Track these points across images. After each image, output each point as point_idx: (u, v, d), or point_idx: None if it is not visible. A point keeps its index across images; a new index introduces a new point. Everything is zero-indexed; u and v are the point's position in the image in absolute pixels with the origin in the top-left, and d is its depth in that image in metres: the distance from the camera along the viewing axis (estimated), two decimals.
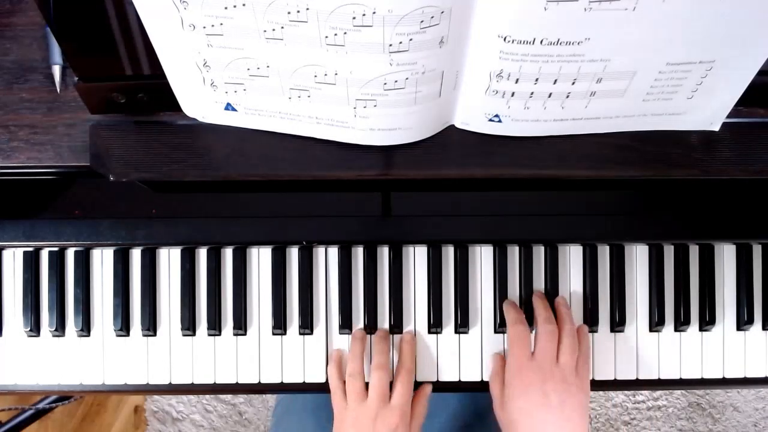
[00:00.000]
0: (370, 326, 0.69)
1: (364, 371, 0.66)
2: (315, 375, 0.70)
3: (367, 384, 0.65)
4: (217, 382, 0.70)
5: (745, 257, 0.71)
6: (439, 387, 0.69)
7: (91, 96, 0.52)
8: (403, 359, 0.67)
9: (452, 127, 0.53)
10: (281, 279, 0.69)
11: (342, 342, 0.70)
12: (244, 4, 0.40)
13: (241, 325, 0.69)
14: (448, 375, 0.70)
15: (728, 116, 0.51)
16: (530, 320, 0.68)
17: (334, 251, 0.70)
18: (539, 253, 0.70)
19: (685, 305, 0.70)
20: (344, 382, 0.66)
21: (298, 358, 0.70)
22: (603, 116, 0.50)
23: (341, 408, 0.65)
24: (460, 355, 0.70)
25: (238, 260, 0.69)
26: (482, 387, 0.70)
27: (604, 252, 0.71)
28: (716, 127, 0.53)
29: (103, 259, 0.70)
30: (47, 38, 0.56)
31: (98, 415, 1.40)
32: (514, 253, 0.70)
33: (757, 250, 0.71)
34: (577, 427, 0.60)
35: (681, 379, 0.71)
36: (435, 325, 0.69)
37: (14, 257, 0.70)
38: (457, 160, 0.53)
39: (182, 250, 0.70)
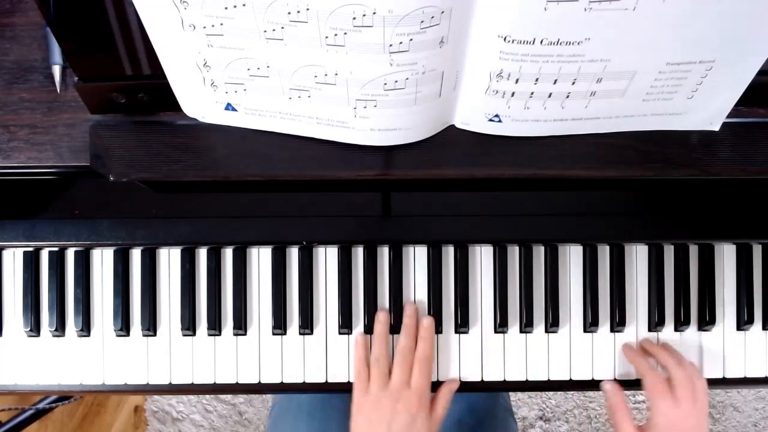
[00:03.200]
0: (371, 326, 0.69)
1: (389, 353, 0.67)
2: (315, 375, 0.70)
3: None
4: (217, 382, 0.70)
5: (745, 257, 0.71)
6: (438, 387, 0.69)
7: (91, 96, 0.52)
8: (422, 345, 0.67)
9: (452, 127, 0.53)
10: (281, 279, 0.69)
11: (342, 342, 0.70)
12: (244, 5, 0.40)
13: (241, 325, 0.69)
14: (449, 375, 0.70)
15: (728, 116, 0.51)
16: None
17: (334, 251, 0.70)
18: (539, 253, 0.70)
19: (685, 305, 0.70)
20: (368, 366, 0.66)
21: (298, 358, 0.70)
22: (603, 116, 0.50)
23: (362, 391, 0.65)
24: (460, 356, 0.70)
25: (238, 260, 0.69)
26: (483, 387, 0.70)
27: (604, 252, 0.70)
28: (716, 127, 0.53)
29: (103, 259, 0.70)
30: (47, 38, 0.56)
31: (98, 415, 1.40)
32: (514, 253, 0.70)
33: (757, 250, 0.71)
34: None
35: None
36: (435, 325, 0.69)
37: (14, 257, 0.70)
38: (457, 160, 0.53)
39: (182, 250, 0.70)
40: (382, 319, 0.68)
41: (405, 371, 0.65)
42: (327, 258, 0.70)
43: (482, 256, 0.70)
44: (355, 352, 0.68)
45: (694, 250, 0.71)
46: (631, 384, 0.70)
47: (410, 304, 0.69)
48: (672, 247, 0.71)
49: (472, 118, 0.51)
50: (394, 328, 0.69)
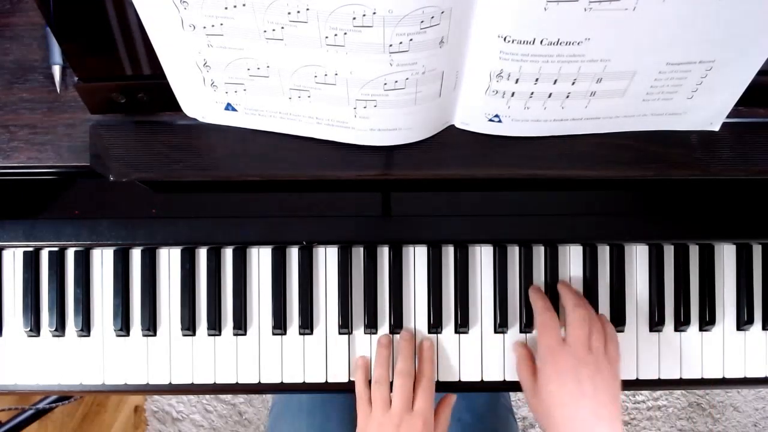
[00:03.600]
0: (371, 326, 0.69)
1: (389, 376, 0.67)
2: (315, 375, 0.70)
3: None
4: (217, 382, 0.70)
5: (745, 257, 0.71)
6: (439, 387, 0.69)
7: (91, 96, 0.52)
8: (423, 367, 0.67)
9: (452, 127, 0.53)
10: (281, 279, 0.69)
11: (342, 342, 0.70)
12: (244, 5, 0.40)
13: (241, 325, 0.69)
14: (449, 375, 0.70)
15: (728, 116, 0.51)
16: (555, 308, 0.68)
17: (334, 251, 0.70)
18: (539, 253, 0.70)
19: (685, 305, 0.70)
20: (370, 388, 0.66)
21: (298, 358, 0.70)
22: (603, 116, 0.50)
23: (365, 415, 0.65)
24: (460, 356, 0.70)
25: (238, 260, 0.69)
26: (482, 387, 0.70)
27: (604, 252, 0.70)
28: (716, 127, 0.53)
29: (103, 259, 0.70)
30: (47, 38, 0.56)
31: (98, 415, 1.40)
32: (514, 253, 0.70)
33: (757, 250, 0.71)
34: (612, 413, 0.58)
35: (681, 379, 0.71)
36: (435, 325, 0.69)
37: (14, 257, 0.70)
38: (457, 160, 0.53)
39: (182, 250, 0.70)
40: (384, 342, 0.68)
41: (406, 396, 0.64)
42: (327, 258, 0.70)
43: (482, 256, 0.70)
44: (356, 376, 0.68)
45: (694, 250, 0.71)
46: (628, 384, 0.70)
47: (406, 330, 0.69)
48: (672, 247, 0.71)
49: (472, 118, 0.51)
50: (393, 329, 0.69)
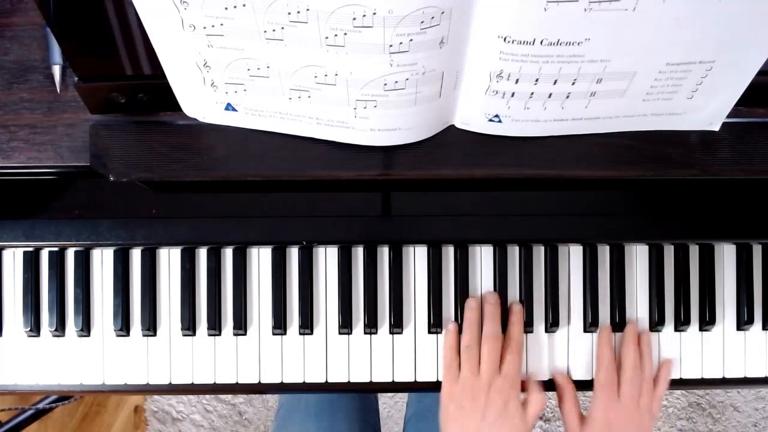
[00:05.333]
0: (371, 326, 0.69)
1: (479, 339, 0.67)
2: (315, 375, 0.70)
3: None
4: (217, 382, 0.70)
5: (745, 257, 0.71)
6: (438, 387, 0.69)
7: (91, 96, 0.52)
8: (512, 331, 0.68)
9: (452, 127, 0.53)
10: (281, 279, 0.69)
11: (342, 342, 0.70)
12: (244, 5, 0.40)
13: (241, 325, 0.69)
14: None
15: (728, 116, 0.51)
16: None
17: (334, 251, 0.70)
18: (539, 253, 0.70)
19: (685, 305, 0.70)
20: (458, 355, 0.67)
21: (298, 358, 0.70)
22: (603, 116, 0.50)
23: (453, 379, 0.66)
24: None
25: (238, 260, 0.69)
26: None
27: (604, 252, 0.70)
28: (716, 127, 0.53)
29: (103, 259, 0.70)
30: (47, 38, 0.56)
31: (98, 415, 1.40)
32: (514, 253, 0.70)
33: (757, 250, 0.71)
34: None
35: (681, 379, 0.71)
36: (435, 325, 0.69)
37: (14, 257, 0.70)
38: (457, 160, 0.53)
39: (182, 250, 0.70)
40: (473, 305, 0.68)
41: (494, 359, 0.65)
42: (327, 258, 0.70)
43: (482, 256, 0.70)
44: (446, 341, 0.68)
45: (694, 250, 0.71)
46: None
47: (492, 293, 0.69)
48: (672, 247, 0.71)
49: (472, 118, 0.51)
50: (393, 329, 0.69)
